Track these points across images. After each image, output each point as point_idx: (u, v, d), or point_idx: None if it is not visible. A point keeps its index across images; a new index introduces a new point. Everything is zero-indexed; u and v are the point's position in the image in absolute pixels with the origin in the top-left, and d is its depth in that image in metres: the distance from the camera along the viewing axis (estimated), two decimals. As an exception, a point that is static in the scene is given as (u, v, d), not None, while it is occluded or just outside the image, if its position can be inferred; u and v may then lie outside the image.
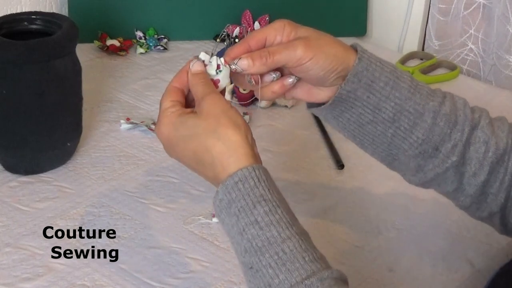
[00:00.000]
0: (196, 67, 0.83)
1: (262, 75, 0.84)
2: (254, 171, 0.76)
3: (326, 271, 0.72)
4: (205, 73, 0.82)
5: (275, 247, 0.73)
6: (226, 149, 0.77)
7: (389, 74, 0.84)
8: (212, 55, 0.83)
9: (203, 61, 0.83)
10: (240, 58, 0.82)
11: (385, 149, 0.86)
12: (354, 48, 0.85)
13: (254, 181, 0.76)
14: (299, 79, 0.86)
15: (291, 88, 0.86)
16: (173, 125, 0.80)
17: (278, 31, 0.83)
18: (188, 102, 0.84)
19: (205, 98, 0.80)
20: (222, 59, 0.83)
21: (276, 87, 0.85)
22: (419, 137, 0.84)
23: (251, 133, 0.80)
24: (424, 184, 0.89)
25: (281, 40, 0.83)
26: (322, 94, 0.86)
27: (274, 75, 0.84)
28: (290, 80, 0.85)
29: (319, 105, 0.87)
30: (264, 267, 0.73)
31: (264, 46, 0.83)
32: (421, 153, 0.85)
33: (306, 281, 0.71)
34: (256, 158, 0.78)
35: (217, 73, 0.83)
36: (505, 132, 0.86)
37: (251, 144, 0.79)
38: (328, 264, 0.74)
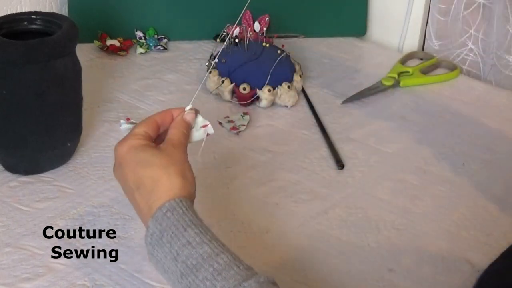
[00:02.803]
0: (189, 117, 0.88)
1: None
2: (182, 202, 0.79)
3: (262, 276, 0.73)
4: (190, 125, 0.88)
5: (209, 261, 0.74)
6: (170, 186, 0.80)
7: None
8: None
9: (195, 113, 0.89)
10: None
11: None
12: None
13: (182, 209, 0.78)
14: None
15: None
16: (136, 148, 0.84)
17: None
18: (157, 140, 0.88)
19: (176, 146, 0.85)
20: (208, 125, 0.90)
21: None
22: None
23: (195, 190, 0.83)
24: None
25: None
26: None
27: None
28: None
29: None
30: (202, 281, 0.74)
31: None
32: None
33: (244, 283, 0.72)
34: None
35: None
36: None
37: (192, 198, 0.82)
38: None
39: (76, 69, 1.07)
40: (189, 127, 0.88)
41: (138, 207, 0.82)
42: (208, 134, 0.90)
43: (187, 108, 0.89)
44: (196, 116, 0.89)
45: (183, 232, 0.77)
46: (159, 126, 0.88)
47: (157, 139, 0.87)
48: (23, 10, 1.32)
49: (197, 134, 0.89)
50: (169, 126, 0.88)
